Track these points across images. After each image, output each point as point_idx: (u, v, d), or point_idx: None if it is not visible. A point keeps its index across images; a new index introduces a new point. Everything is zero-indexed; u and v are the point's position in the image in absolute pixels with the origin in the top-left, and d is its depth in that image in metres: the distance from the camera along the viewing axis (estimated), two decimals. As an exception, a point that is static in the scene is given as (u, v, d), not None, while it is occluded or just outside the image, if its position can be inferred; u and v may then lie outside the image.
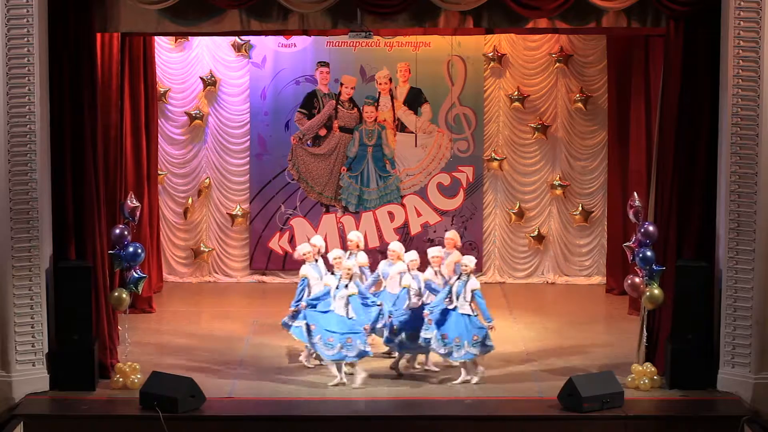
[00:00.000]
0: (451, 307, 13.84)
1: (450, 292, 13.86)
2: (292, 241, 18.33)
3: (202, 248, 18.55)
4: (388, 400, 13.49)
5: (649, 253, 13.77)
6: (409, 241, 18.36)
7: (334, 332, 13.75)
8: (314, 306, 13.98)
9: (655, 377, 13.81)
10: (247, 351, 15.12)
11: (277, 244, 18.47)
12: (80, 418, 13.04)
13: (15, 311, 13.41)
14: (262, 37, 17.64)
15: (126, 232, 13.87)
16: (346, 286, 13.87)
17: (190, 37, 17.90)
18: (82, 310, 13.56)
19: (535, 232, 18.56)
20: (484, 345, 13.84)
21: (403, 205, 18.57)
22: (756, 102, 13.39)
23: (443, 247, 14.84)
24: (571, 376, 13.24)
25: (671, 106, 14.02)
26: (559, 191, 18.50)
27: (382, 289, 14.61)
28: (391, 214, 18.58)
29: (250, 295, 17.94)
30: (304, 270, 14.36)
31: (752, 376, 13.52)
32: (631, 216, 14.17)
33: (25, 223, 13.37)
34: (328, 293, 13.95)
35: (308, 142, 18.41)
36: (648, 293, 13.82)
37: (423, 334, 13.91)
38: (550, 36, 17.87)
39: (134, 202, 14.09)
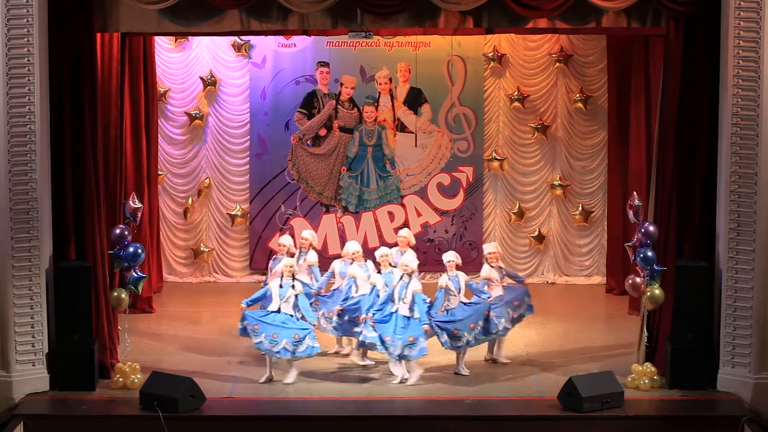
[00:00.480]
0: (393, 309, 13.83)
1: (393, 293, 13.86)
2: (292, 241, 18.35)
3: (202, 248, 18.55)
4: (388, 401, 13.48)
5: (650, 254, 13.76)
6: (409, 241, 18.37)
7: (281, 328, 13.74)
8: (250, 305, 14.04)
9: (655, 377, 13.81)
10: (247, 351, 15.09)
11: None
12: (80, 418, 13.04)
13: (15, 311, 13.41)
14: (262, 37, 17.64)
15: (126, 233, 13.87)
16: (293, 286, 13.88)
17: (190, 37, 17.91)
18: (82, 310, 13.56)
19: (536, 232, 18.56)
20: (421, 348, 13.77)
21: (403, 205, 18.57)
22: (756, 102, 13.38)
23: (398, 245, 15.04)
24: (571, 376, 13.23)
25: (671, 106, 14.02)
26: (559, 191, 18.50)
27: (333, 288, 14.65)
28: (391, 214, 18.58)
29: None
30: (352, 270, 14.39)
31: (752, 376, 13.52)
32: (630, 216, 14.16)
33: (25, 223, 13.37)
34: (266, 293, 14.01)
35: (308, 142, 18.41)
36: (649, 293, 13.82)
37: (365, 333, 13.83)
38: (550, 36, 17.88)
39: (137, 203, 14.10)
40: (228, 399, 13.45)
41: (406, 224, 18.46)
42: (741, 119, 13.45)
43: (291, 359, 13.80)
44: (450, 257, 14.24)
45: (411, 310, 13.73)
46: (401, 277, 13.84)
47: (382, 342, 13.74)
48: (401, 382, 13.82)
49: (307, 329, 13.78)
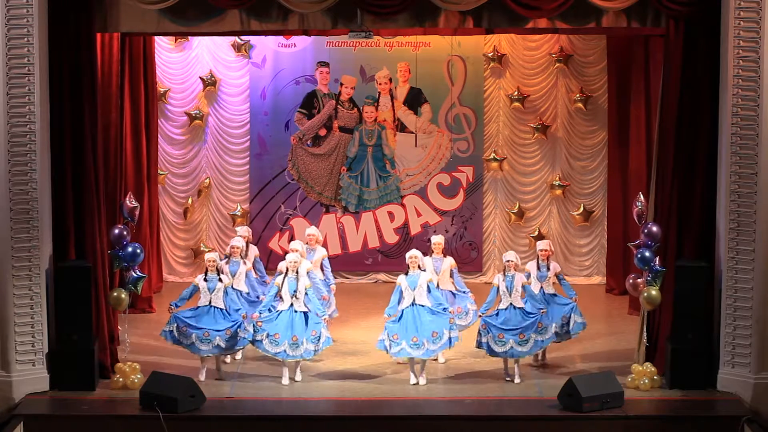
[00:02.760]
0: (285, 307, 13.80)
1: (279, 291, 13.86)
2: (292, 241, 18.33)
3: (202, 248, 18.54)
4: (388, 400, 13.49)
5: (647, 254, 13.76)
6: (409, 241, 18.37)
7: (211, 328, 13.77)
8: (177, 306, 14.03)
9: (655, 377, 13.81)
10: (247, 351, 15.08)
11: (277, 244, 18.46)
12: (80, 418, 13.04)
13: (15, 311, 13.42)
14: (262, 37, 17.64)
15: (125, 233, 13.88)
16: (220, 280, 13.91)
17: (190, 37, 17.92)
18: (82, 310, 13.56)
19: (536, 232, 18.55)
20: (325, 339, 13.80)
21: (403, 205, 18.57)
22: (756, 102, 13.39)
23: (306, 243, 15.02)
24: (571, 376, 13.24)
25: (671, 106, 14.02)
26: (558, 191, 18.50)
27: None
28: (391, 214, 18.58)
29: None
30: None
31: (752, 376, 13.52)
32: (635, 217, 14.15)
33: (25, 223, 13.38)
34: (195, 290, 13.99)
35: (308, 142, 18.41)
36: (646, 294, 13.81)
37: (249, 335, 13.76)
38: (550, 36, 17.88)
39: (133, 202, 14.10)
40: (228, 399, 13.45)
41: (405, 224, 18.50)
42: (741, 119, 13.45)
43: (219, 355, 13.91)
44: (509, 257, 14.11)
45: (306, 305, 13.75)
46: (286, 274, 13.83)
47: (274, 341, 13.68)
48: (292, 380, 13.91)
49: (236, 321, 13.79)
